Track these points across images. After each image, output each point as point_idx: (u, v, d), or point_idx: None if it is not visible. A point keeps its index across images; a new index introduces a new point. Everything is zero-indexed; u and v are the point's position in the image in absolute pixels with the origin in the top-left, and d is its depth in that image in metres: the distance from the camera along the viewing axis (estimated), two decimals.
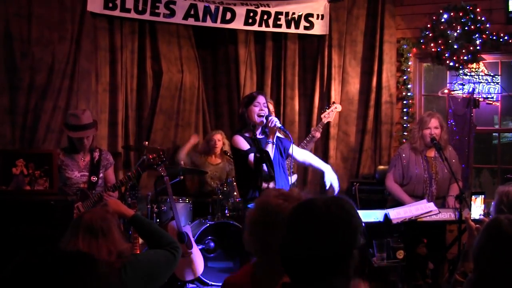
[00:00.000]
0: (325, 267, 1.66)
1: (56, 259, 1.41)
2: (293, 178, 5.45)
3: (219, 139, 6.19)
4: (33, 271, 1.37)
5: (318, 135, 5.40)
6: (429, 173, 5.09)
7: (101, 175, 4.58)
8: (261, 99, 4.38)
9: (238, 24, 6.39)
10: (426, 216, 4.61)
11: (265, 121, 4.31)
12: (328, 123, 5.74)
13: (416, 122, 5.50)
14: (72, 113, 4.54)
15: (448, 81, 6.36)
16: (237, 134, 4.41)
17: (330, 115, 5.62)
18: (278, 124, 4.24)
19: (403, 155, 5.22)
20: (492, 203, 3.31)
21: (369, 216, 4.61)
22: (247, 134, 4.41)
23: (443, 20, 6.13)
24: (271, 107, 5.48)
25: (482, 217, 3.97)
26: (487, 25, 6.00)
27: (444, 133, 5.10)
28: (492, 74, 6.14)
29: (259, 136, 4.44)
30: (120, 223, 2.74)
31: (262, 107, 4.35)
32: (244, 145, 4.32)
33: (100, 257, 2.42)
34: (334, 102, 5.86)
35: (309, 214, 1.68)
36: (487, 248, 2.08)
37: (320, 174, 6.64)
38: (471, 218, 4.12)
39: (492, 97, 6.16)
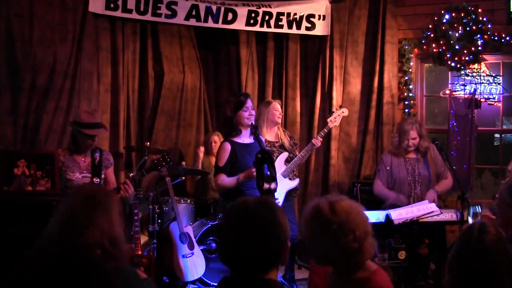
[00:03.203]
0: (263, 262, 1.87)
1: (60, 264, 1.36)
2: (295, 182, 5.45)
3: (216, 141, 6.18)
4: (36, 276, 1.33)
5: (318, 143, 5.44)
6: (413, 175, 5.18)
7: (102, 176, 4.56)
8: (249, 103, 4.51)
9: (239, 24, 6.39)
10: (428, 217, 4.61)
11: (253, 130, 4.44)
12: None
13: (396, 129, 5.54)
14: (86, 111, 4.54)
15: (449, 82, 6.36)
16: (227, 142, 4.50)
17: (337, 119, 5.59)
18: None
19: (386, 160, 5.33)
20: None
21: (370, 216, 4.58)
22: (236, 140, 4.48)
23: (444, 20, 6.13)
24: (278, 107, 5.48)
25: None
26: (489, 26, 6.00)
27: (423, 141, 5.20)
28: (493, 74, 6.14)
29: (248, 141, 4.55)
30: (122, 212, 2.65)
31: (250, 111, 4.49)
32: (223, 160, 4.45)
33: (92, 235, 2.27)
34: (341, 106, 5.82)
35: (245, 216, 1.90)
36: (456, 257, 2.08)
37: (321, 175, 6.66)
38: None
39: (494, 98, 6.16)
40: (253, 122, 4.49)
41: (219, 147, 4.54)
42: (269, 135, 5.41)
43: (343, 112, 5.65)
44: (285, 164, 5.38)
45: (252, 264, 1.86)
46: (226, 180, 4.42)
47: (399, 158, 5.26)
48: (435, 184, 5.25)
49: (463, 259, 2.04)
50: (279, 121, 5.47)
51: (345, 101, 6.52)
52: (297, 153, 5.51)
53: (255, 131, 5.08)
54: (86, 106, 5.68)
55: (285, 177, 5.28)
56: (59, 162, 4.32)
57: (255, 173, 4.25)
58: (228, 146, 4.45)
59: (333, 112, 5.68)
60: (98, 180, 4.46)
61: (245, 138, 4.55)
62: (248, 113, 4.47)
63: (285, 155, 5.39)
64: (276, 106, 5.43)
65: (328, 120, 5.61)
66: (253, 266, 1.87)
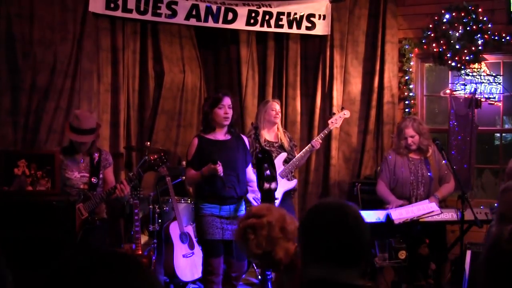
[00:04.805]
0: (356, 256, 1.95)
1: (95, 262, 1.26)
2: (293, 183, 5.45)
3: None
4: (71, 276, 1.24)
5: (318, 145, 5.45)
6: (416, 176, 5.17)
7: (101, 176, 4.58)
8: (226, 100, 4.48)
9: (240, 24, 6.39)
10: (428, 217, 4.61)
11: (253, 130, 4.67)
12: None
13: (396, 129, 5.59)
14: (76, 115, 4.50)
15: (450, 82, 6.35)
16: (196, 137, 4.56)
17: (338, 121, 5.58)
18: None
19: (389, 157, 5.32)
20: None
21: (371, 216, 4.62)
22: (207, 136, 4.50)
23: (445, 20, 6.13)
24: (278, 107, 5.49)
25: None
26: (489, 25, 5.99)
27: (424, 139, 5.18)
28: (494, 74, 6.13)
29: (224, 138, 4.56)
30: None
31: (226, 109, 4.46)
32: (190, 155, 4.52)
33: None
34: (343, 108, 5.81)
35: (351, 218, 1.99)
36: (485, 259, 2.06)
37: (322, 175, 6.66)
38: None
39: (494, 97, 6.15)
40: (253, 123, 4.50)
41: (191, 142, 4.63)
42: (268, 135, 5.42)
43: (344, 114, 5.63)
44: (283, 164, 5.38)
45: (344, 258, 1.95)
46: (192, 173, 4.50)
47: (403, 158, 5.24)
48: (437, 186, 5.23)
49: (491, 260, 2.02)
50: (276, 121, 5.47)
51: (346, 101, 6.51)
52: (296, 154, 5.52)
53: (255, 131, 5.12)
54: (86, 106, 5.68)
55: (282, 178, 5.28)
56: (59, 159, 4.33)
57: (216, 168, 4.25)
58: (195, 142, 4.53)
59: (334, 113, 5.66)
60: (96, 180, 4.48)
61: (219, 135, 4.55)
62: (224, 111, 4.45)
63: (283, 155, 5.39)
64: (273, 106, 5.43)
65: (329, 121, 5.60)
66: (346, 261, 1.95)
